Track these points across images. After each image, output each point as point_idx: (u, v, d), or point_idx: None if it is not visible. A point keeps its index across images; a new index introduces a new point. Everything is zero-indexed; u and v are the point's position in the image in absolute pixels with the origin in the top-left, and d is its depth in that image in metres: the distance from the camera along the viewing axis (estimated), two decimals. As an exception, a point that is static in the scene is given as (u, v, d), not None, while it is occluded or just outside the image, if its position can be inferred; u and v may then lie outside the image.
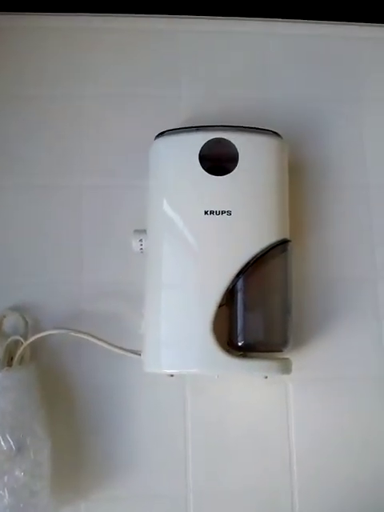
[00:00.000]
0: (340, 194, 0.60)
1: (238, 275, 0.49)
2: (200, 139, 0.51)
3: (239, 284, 0.50)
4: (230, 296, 0.50)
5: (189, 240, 0.50)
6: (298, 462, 0.54)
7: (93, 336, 0.52)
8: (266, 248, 0.50)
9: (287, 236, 0.52)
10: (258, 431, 0.55)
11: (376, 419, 0.56)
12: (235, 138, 0.51)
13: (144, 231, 0.53)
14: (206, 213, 0.50)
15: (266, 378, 0.50)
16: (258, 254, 0.49)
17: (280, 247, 0.51)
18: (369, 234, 0.60)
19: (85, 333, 0.52)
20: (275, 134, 0.53)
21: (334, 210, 0.60)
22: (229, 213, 0.50)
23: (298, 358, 0.55)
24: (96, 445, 0.54)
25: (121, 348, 0.52)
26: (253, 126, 0.52)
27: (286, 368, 0.50)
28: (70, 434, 0.54)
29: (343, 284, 0.58)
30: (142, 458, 0.54)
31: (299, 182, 0.59)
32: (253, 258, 0.49)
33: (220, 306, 0.49)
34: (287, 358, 0.51)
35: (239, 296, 0.50)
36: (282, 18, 0.65)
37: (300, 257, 0.57)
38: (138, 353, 0.52)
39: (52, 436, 0.51)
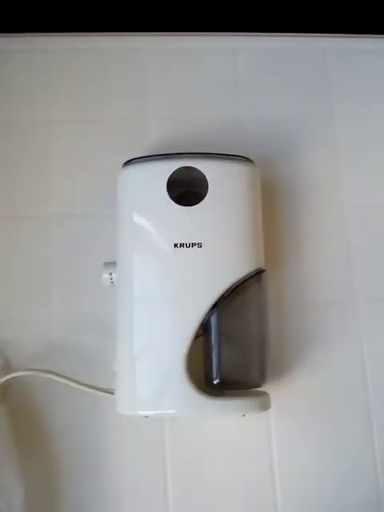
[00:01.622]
0: (316, 217, 0.58)
1: (211, 309, 0.47)
2: (168, 168, 0.49)
3: (213, 319, 0.48)
4: (204, 330, 0.48)
5: (159, 274, 0.48)
6: (282, 494, 0.53)
7: (62, 376, 0.50)
8: (240, 280, 0.48)
9: (262, 265, 0.50)
10: (241, 467, 0.53)
11: (361, 447, 0.54)
12: (204, 166, 0.49)
13: (114, 263, 0.51)
14: (175, 245, 0.48)
15: (244, 416, 0.48)
16: (231, 287, 0.48)
17: (255, 278, 0.49)
18: (347, 257, 0.58)
19: (54, 373, 0.50)
20: (246, 159, 0.51)
21: (311, 234, 0.58)
22: (199, 245, 0.48)
23: (279, 389, 0.53)
24: (71, 488, 0.52)
25: (93, 387, 0.50)
26: (223, 153, 0.51)
27: (263, 405, 0.48)
28: (43, 478, 0.52)
29: (322, 309, 0.56)
30: (119, 501, 0.52)
31: (273, 206, 0.57)
32: (226, 291, 0.48)
33: (197, 336, 0.47)
34: (265, 393, 0.49)
35: (213, 330, 0.48)
36: (250, 32, 0.63)
37: (276, 284, 0.55)
38: (111, 391, 0.50)
39: (25, 480, 0.49)
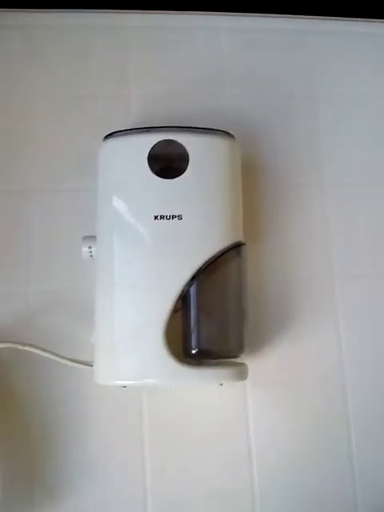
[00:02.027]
0: (295, 194, 0.59)
1: (190, 281, 0.48)
2: (149, 141, 0.49)
3: (192, 290, 0.48)
4: (183, 302, 0.49)
5: (139, 246, 0.48)
6: (258, 465, 0.54)
7: (41, 348, 0.50)
8: (219, 252, 0.49)
9: (241, 239, 0.51)
10: (217, 435, 0.54)
11: (335, 421, 0.56)
12: (185, 140, 0.49)
13: (93, 237, 0.51)
14: (156, 217, 0.48)
15: (222, 385, 0.48)
16: (210, 259, 0.48)
17: (234, 251, 0.50)
18: (324, 233, 0.59)
19: (32, 345, 0.50)
20: (227, 134, 0.52)
21: (290, 210, 0.59)
22: (179, 217, 0.48)
23: (257, 361, 0.54)
24: (50, 457, 0.52)
25: (71, 359, 0.51)
26: (204, 127, 0.51)
27: (241, 374, 0.49)
28: (23, 449, 0.52)
29: (300, 285, 0.57)
30: (98, 468, 0.52)
31: (253, 182, 0.58)
32: (205, 263, 0.48)
33: (176, 310, 0.48)
34: (243, 364, 0.50)
35: (192, 302, 0.48)
36: (233, 12, 0.63)
37: (255, 258, 0.56)
38: (89, 364, 0.50)
39: (4, 451, 0.49)
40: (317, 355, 0.56)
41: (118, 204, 0.49)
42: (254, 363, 0.52)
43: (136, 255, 0.48)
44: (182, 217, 0.48)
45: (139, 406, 0.53)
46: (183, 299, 0.49)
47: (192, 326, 0.48)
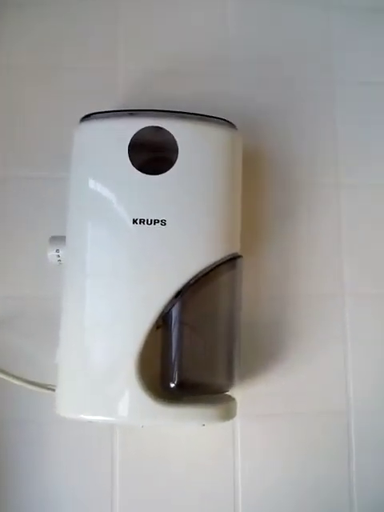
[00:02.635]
0: (305, 196, 0.51)
1: (173, 299, 0.40)
2: (131, 127, 0.41)
3: (175, 310, 0.40)
4: (164, 324, 0.41)
5: (114, 254, 0.40)
6: (243, 508, 0.47)
7: (-5, 368, 0.43)
8: (210, 266, 0.41)
9: (237, 250, 0.43)
10: (199, 472, 0.47)
11: (337, 463, 0.48)
12: (175, 127, 0.41)
13: (63, 238, 0.43)
14: (134, 221, 0.40)
15: (204, 425, 0.41)
16: (199, 274, 0.40)
17: (228, 264, 0.42)
18: (336, 243, 0.51)
19: (-16, 364, 0.43)
20: (227, 122, 0.43)
21: (297, 215, 0.50)
22: (163, 222, 0.40)
23: (247, 391, 0.47)
24: (8, 490, 0.45)
25: (30, 382, 0.43)
26: (198, 113, 0.42)
27: (228, 413, 0.41)
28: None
29: (301, 303, 0.49)
30: (61, 506, 0.45)
31: (255, 181, 0.49)
32: (192, 279, 0.40)
33: (157, 327, 0.40)
34: (231, 399, 0.42)
35: (174, 325, 0.40)
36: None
37: (253, 272, 0.48)
38: (51, 388, 0.43)
39: None
40: (319, 385, 0.49)
41: (91, 202, 0.41)
42: (245, 394, 0.45)
43: (110, 265, 0.40)
44: (166, 222, 0.40)
45: (110, 436, 0.46)
46: (164, 320, 0.41)
47: (172, 354, 0.40)
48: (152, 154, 0.42)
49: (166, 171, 0.40)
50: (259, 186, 0.49)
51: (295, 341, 0.49)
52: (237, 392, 0.43)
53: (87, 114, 0.44)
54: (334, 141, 0.51)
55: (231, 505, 0.46)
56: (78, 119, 0.44)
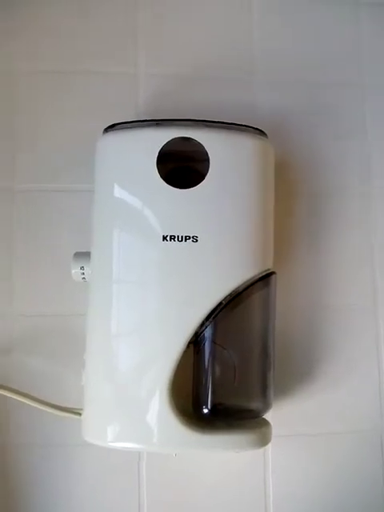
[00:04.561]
0: (336, 205, 0.48)
1: (205, 320, 0.38)
2: (160, 137, 0.39)
3: (207, 332, 0.38)
4: (196, 347, 0.39)
5: (143, 273, 0.38)
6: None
7: (19, 393, 0.41)
8: (244, 284, 0.38)
9: (270, 266, 0.40)
10: (230, 499, 0.45)
11: (367, 480, 0.46)
12: (206, 138, 0.39)
13: (88, 255, 0.41)
14: (164, 238, 0.38)
15: (238, 452, 0.39)
16: (232, 293, 0.38)
17: (262, 282, 0.39)
18: (370, 254, 0.48)
19: (6, 388, 0.41)
20: (258, 131, 0.41)
21: (330, 226, 0.48)
22: (194, 238, 0.38)
23: (280, 412, 0.44)
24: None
25: (55, 406, 0.41)
26: (229, 122, 0.40)
27: (263, 440, 0.39)
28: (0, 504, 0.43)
29: (334, 315, 0.47)
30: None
31: (286, 191, 0.47)
32: (226, 298, 0.38)
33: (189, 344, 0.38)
34: (266, 424, 0.40)
35: (207, 347, 0.38)
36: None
37: (284, 285, 0.45)
38: (77, 412, 0.41)
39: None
40: (354, 404, 0.47)
41: (118, 217, 0.39)
42: (276, 415, 0.43)
43: (139, 284, 0.38)
44: (198, 238, 0.38)
45: (137, 461, 0.44)
46: (196, 342, 0.39)
47: (205, 379, 0.38)
48: (179, 165, 0.40)
49: (196, 184, 0.38)
50: (288, 196, 0.47)
51: (327, 356, 0.47)
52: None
53: (111, 124, 0.42)
54: (366, 147, 0.49)
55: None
56: (99, 128, 0.42)
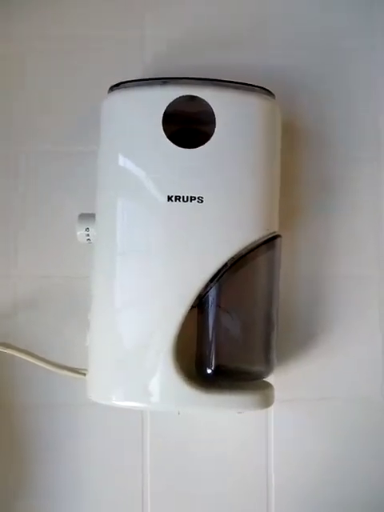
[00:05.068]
0: (346, 172, 0.47)
1: (210, 281, 0.38)
2: (165, 96, 0.38)
3: (212, 293, 0.38)
4: (200, 308, 0.39)
5: (148, 233, 0.38)
6: (276, 496, 0.45)
7: (24, 351, 0.41)
8: (250, 246, 0.38)
9: (276, 229, 0.40)
10: (231, 461, 0.45)
11: (368, 445, 0.46)
12: (212, 96, 0.38)
13: (92, 216, 0.41)
14: (169, 198, 0.37)
15: (240, 413, 0.39)
16: (237, 254, 0.38)
17: (267, 244, 0.39)
18: (378, 223, 0.47)
19: (13, 347, 0.41)
20: (266, 91, 0.40)
21: (336, 191, 0.47)
22: (200, 199, 0.37)
23: (282, 377, 0.45)
24: (34, 477, 0.44)
25: (60, 366, 0.42)
26: (235, 81, 0.39)
27: (265, 400, 0.39)
28: (7, 463, 0.44)
29: (341, 284, 0.47)
30: (90, 491, 0.45)
31: (292, 153, 0.46)
32: (231, 260, 0.38)
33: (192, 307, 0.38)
34: (268, 386, 0.40)
35: (211, 309, 0.38)
36: None
37: (288, 251, 0.45)
38: (82, 372, 0.41)
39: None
40: (356, 370, 0.47)
41: (123, 178, 0.39)
42: (279, 379, 0.43)
43: (143, 244, 0.38)
44: (204, 199, 0.37)
45: (141, 423, 0.45)
46: (200, 303, 0.39)
47: (209, 339, 0.39)
48: (185, 126, 0.40)
49: (202, 144, 0.38)
50: (294, 158, 0.46)
51: (330, 323, 0.47)
52: (270, 377, 0.41)
53: (116, 82, 0.41)
54: (376, 113, 0.48)
55: (264, 491, 0.45)
56: (105, 90, 0.41)
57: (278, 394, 0.41)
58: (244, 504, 0.45)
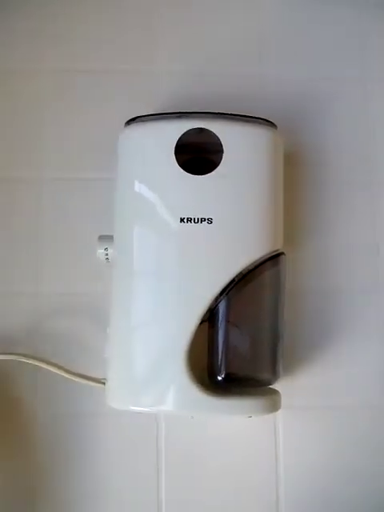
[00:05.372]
0: (343, 194, 0.51)
1: (219, 295, 0.41)
2: (177, 129, 0.42)
3: (221, 306, 0.42)
4: (210, 320, 0.42)
5: (162, 252, 0.42)
6: (286, 504, 0.48)
7: (47, 362, 0.45)
8: (255, 262, 0.42)
9: (280, 247, 0.44)
10: (242, 467, 0.48)
11: (375, 453, 0.49)
12: (219, 129, 0.42)
13: (111, 237, 0.45)
14: (182, 220, 0.41)
15: (250, 417, 0.42)
16: (244, 270, 0.41)
17: (272, 261, 0.43)
18: (375, 240, 0.51)
19: (37, 358, 0.45)
20: (268, 122, 0.44)
21: (335, 212, 0.51)
22: (209, 220, 0.41)
23: (289, 385, 0.47)
24: (55, 483, 0.47)
25: (81, 376, 0.45)
26: (241, 114, 0.43)
27: (273, 405, 0.42)
28: (24, 473, 0.47)
29: (342, 297, 0.50)
30: (107, 498, 0.47)
31: (295, 179, 0.50)
32: (238, 275, 0.41)
33: (201, 322, 0.41)
34: (276, 392, 0.43)
35: (221, 320, 0.42)
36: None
37: (293, 267, 0.49)
38: (101, 381, 0.44)
39: (2, 475, 0.45)
40: (360, 380, 0.49)
41: (140, 201, 0.43)
42: (286, 387, 0.46)
43: (158, 261, 0.42)
44: (213, 220, 0.41)
45: (156, 430, 0.48)
46: (210, 316, 0.42)
47: (219, 348, 0.42)
48: (195, 156, 0.44)
49: (211, 171, 0.42)
50: (296, 184, 0.50)
51: (335, 334, 0.49)
52: (278, 385, 0.44)
53: (132, 117, 0.45)
54: (371, 139, 0.52)
55: (274, 494, 0.48)
56: (119, 121, 0.45)
57: (286, 401, 0.44)
58: (252, 504, 0.47)
